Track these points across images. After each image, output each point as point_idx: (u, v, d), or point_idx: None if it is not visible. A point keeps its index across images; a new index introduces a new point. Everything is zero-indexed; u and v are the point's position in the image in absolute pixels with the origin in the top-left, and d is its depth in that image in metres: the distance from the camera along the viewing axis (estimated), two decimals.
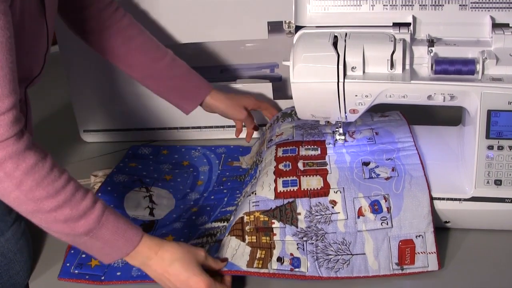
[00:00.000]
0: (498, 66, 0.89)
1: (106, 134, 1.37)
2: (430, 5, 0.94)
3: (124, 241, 0.84)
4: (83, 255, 0.98)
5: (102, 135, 1.37)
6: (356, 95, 0.94)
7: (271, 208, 0.95)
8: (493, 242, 0.97)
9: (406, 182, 0.96)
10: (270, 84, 1.29)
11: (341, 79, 0.92)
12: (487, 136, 0.92)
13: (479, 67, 0.89)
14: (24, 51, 0.90)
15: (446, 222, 0.98)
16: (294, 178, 0.99)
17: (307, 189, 0.97)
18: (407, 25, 0.94)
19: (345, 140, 1.06)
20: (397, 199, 0.94)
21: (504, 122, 0.91)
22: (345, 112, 0.97)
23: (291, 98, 0.97)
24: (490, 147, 0.93)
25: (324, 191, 0.96)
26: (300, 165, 1.01)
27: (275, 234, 0.94)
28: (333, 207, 0.94)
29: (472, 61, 0.90)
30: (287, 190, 0.97)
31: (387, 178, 0.97)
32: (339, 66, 0.91)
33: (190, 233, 1.03)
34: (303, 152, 1.05)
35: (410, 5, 0.94)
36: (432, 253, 0.92)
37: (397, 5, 0.94)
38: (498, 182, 0.94)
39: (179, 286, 0.86)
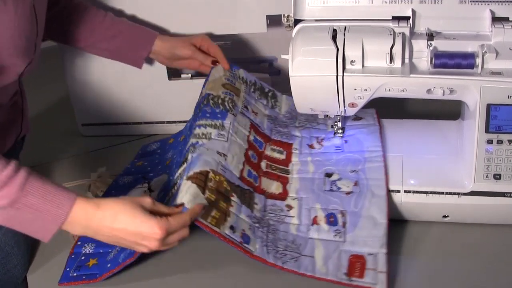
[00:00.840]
0: (497, 60, 0.89)
1: (104, 128, 1.36)
2: None
3: (56, 206, 0.77)
4: (82, 257, 0.97)
5: (100, 129, 1.36)
6: (355, 89, 0.93)
7: (235, 183, 0.95)
8: (492, 237, 0.97)
9: (367, 200, 0.94)
10: (269, 78, 1.28)
11: (340, 73, 0.92)
12: (487, 130, 0.92)
13: (478, 61, 0.89)
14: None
15: (444, 216, 0.98)
16: (256, 174, 1.00)
17: (265, 190, 0.97)
18: (406, 18, 0.94)
19: (312, 148, 1.06)
20: (354, 217, 0.93)
21: (503, 116, 0.90)
22: (344, 106, 0.97)
23: (289, 91, 0.97)
24: (490, 141, 0.92)
25: (282, 196, 0.96)
26: (263, 164, 1.02)
27: (232, 206, 0.92)
28: (288, 211, 0.94)
29: (472, 55, 0.90)
30: (249, 180, 0.98)
31: (347, 193, 0.96)
32: (338, 60, 0.91)
33: (165, 196, 0.99)
34: (268, 151, 1.04)
35: None
36: (382, 272, 0.86)
37: None
38: (497, 176, 0.94)
39: (133, 240, 0.80)
